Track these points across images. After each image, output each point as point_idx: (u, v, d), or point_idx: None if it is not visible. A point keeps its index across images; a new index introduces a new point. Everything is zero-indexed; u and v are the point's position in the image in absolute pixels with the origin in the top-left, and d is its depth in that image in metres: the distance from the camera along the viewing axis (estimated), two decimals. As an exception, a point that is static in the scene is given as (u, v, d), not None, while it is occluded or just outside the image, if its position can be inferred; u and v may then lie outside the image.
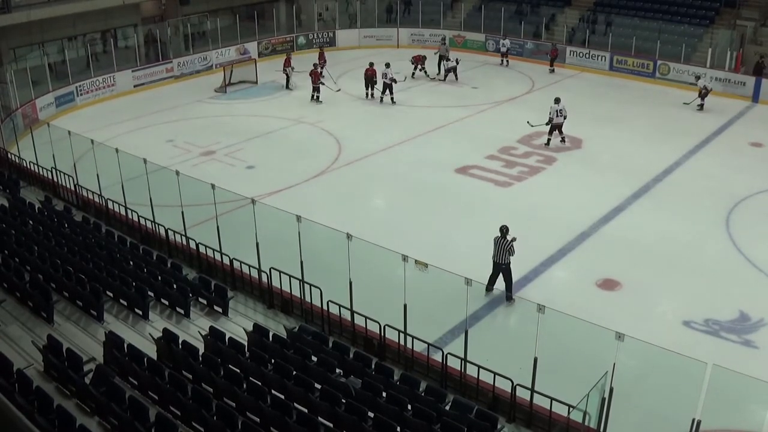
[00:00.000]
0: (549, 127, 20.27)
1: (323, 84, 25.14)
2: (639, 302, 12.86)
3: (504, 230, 12.74)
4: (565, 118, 20.20)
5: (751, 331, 12.02)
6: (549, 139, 20.42)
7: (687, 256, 14.50)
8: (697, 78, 24.64)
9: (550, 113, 20.19)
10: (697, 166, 19.31)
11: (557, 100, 20.25)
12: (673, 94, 24.13)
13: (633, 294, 13.15)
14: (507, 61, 30.21)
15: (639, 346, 8.42)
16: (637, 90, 26.57)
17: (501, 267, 12.72)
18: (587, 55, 29.40)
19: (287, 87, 26.74)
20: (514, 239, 12.65)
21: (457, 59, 28.00)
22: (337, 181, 18.54)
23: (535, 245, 14.64)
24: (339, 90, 26.00)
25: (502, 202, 17.14)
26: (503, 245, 12.61)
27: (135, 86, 26.96)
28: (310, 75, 25.16)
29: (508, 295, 12.77)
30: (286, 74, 26.68)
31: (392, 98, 24.72)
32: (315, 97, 25.02)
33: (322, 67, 27.13)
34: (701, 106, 23.87)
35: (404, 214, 16.50)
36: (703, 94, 23.83)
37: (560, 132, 20.38)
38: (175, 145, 20.99)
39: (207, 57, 29.47)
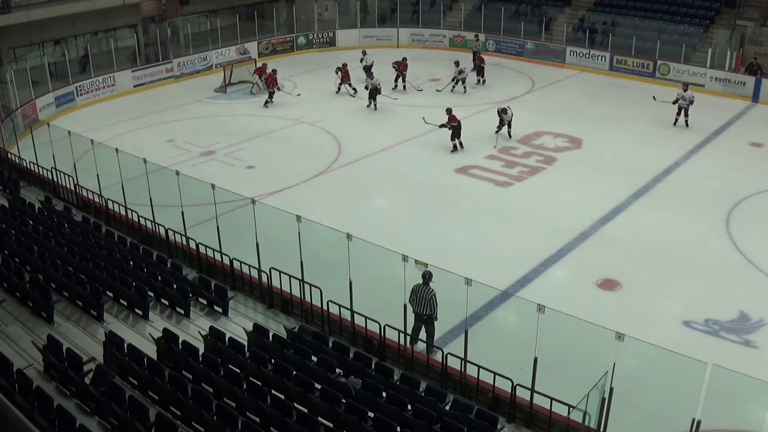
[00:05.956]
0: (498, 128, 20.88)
1: (279, 89, 24.60)
2: (639, 302, 12.85)
3: (427, 276, 10.42)
4: (512, 115, 20.83)
5: (751, 331, 12.03)
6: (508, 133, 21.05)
7: (687, 256, 14.50)
8: (686, 88, 21.95)
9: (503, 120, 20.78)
10: (697, 166, 19.30)
11: (505, 110, 20.79)
12: (674, 94, 24.07)
13: (633, 294, 13.15)
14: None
15: (639, 346, 8.42)
16: (637, 90, 26.54)
17: (423, 318, 10.69)
18: (587, 55, 29.38)
19: (251, 92, 26.34)
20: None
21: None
22: (337, 181, 18.54)
23: (536, 245, 14.67)
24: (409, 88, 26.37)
25: (502, 202, 17.17)
26: (425, 294, 10.52)
27: (135, 86, 26.97)
28: (268, 79, 24.66)
29: (429, 347, 10.63)
30: (256, 81, 26.29)
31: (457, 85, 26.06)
32: (266, 102, 24.61)
33: (403, 74, 26.27)
34: (686, 122, 21.79)
35: (404, 214, 16.50)
36: (681, 106, 21.74)
37: (509, 127, 20.97)
38: (175, 145, 21.00)
39: (207, 57, 29.47)
